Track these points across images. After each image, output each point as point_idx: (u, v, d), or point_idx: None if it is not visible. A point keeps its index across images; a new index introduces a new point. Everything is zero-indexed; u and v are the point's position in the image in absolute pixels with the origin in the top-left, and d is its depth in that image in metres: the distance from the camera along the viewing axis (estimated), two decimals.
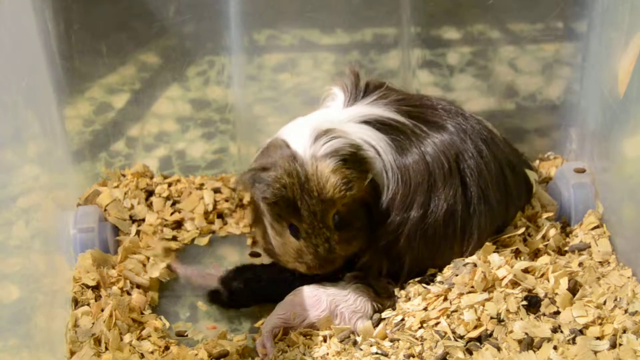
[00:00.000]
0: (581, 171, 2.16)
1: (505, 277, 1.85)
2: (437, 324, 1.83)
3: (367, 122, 1.90)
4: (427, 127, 1.92)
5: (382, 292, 1.94)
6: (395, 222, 1.90)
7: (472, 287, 1.85)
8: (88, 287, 1.97)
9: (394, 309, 1.92)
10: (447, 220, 1.90)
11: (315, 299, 1.92)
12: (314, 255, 1.87)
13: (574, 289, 1.86)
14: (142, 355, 1.84)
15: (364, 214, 1.91)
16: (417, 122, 1.92)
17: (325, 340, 1.88)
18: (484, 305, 1.82)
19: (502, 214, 1.99)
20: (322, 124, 1.88)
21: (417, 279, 1.94)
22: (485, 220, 1.93)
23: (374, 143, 1.89)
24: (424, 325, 1.84)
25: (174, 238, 2.19)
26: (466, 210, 1.91)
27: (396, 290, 1.94)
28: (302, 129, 1.88)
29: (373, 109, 1.93)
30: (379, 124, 1.91)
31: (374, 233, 1.91)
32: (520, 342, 1.75)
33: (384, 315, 1.90)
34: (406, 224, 1.89)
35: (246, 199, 2.23)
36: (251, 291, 2.01)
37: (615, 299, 1.84)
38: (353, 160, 1.85)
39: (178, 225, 2.23)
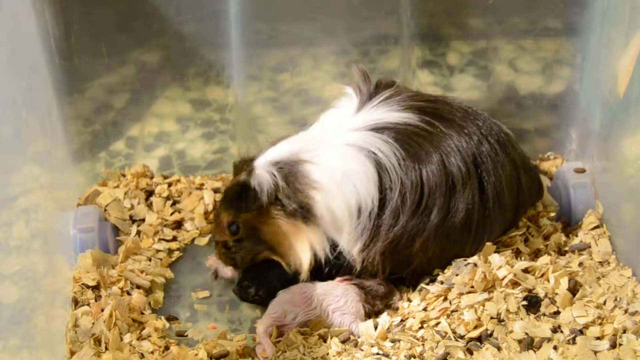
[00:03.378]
0: (581, 171, 2.16)
1: (505, 277, 1.85)
2: (437, 324, 1.83)
3: (374, 129, 1.88)
4: (442, 124, 1.89)
5: (375, 294, 1.94)
6: (409, 226, 1.86)
7: (472, 287, 1.85)
8: (88, 287, 1.97)
9: (388, 308, 1.93)
10: (463, 223, 1.88)
11: (306, 296, 1.93)
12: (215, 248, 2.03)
13: (574, 289, 1.86)
14: (142, 355, 1.84)
15: (259, 243, 1.94)
16: (431, 118, 1.89)
17: (325, 340, 1.88)
18: (484, 305, 1.82)
19: (511, 217, 1.99)
20: (302, 145, 1.90)
21: (425, 282, 1.94)
22: (497, 224, 1.92)
23: (373, 149, 1.86)
24: (425, 325, 1.84)
25: (174, 238, 2.19)
26: (482, 214, 1.89)
27: (396, 293, 1.95)
28: (285, 145, 1.91)
29: (385, 111, 1.91)
30: (388, 129, 1.88)
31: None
32: (520, 342, 1.75)
33: (380, 319, 1.90)
34: (424, 229, 1.86)
35: None
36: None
37: (615, 299, 1.84)
38: (254, 193, 1.86)
39: (178, 225, 2.23)
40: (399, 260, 1.91)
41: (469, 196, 1.86)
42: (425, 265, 1.93)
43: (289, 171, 1.86)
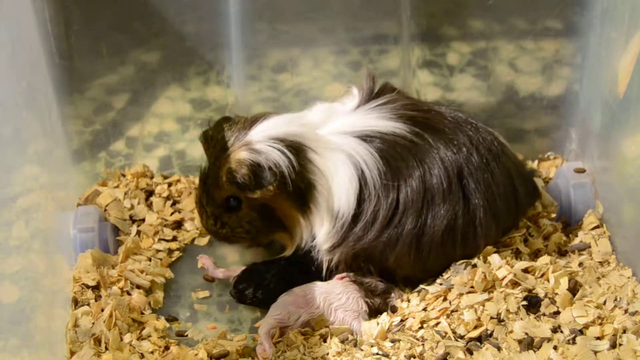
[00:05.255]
0: (581, 171, 2.16)
1: (505, 277, 1.85)
2: (437, 324, 1.83)
3: (363, 137, 1.90)
4: (431, 136, 1.90)
5: (373, 290, 1.95)
6: (382, 240, 1.89)
7: (472, 287, 1.85)
8: (88, 287, 1.97)
9: (388, 309, 1.93)
10: (445, 236, 1.89)
11: (309, 297, 1.93)
12: (200, 218, 1.99)
13: (574, 289, 1.86)
14: (142, 355, 1.84)
15: (268, 220, 1.93)
16: (420, 129, 1.91)
17: (325, 340, 1.88)
18: (484, 306, 1.82)
19: (510, 222, 1.99)
20: (300, 132, 1.89)
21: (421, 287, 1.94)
22: (491, 229, 1.92)
23: (359, 160, 1.88)
24: (425, 325, 1.84)
25: (174, 238, 2.19)
26: (469, 225, 1.90)
27: (396, 292, 1.95)
28: (282, 123, 1.91)
29: (377, 118, 1.92)
30: (376, 137, 1.89)
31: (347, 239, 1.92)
32: (520, 342, 1.75)
33: (380, 319, 1.90)
34: (396, 243, 1.89)
35: None
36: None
37: (615, 299, 1.84)
38: (270, 172, 1.85)
39: (178, 225, 2.23)
40: (382, 268, 1.94)
41: (450, 209, 1.87)
42: (412, 274, 1.94)
43: (297, 152, 1.87)
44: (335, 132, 1.92)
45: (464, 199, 1.89)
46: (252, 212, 1.93)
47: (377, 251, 1.90)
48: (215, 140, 1.93)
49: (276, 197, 1.89)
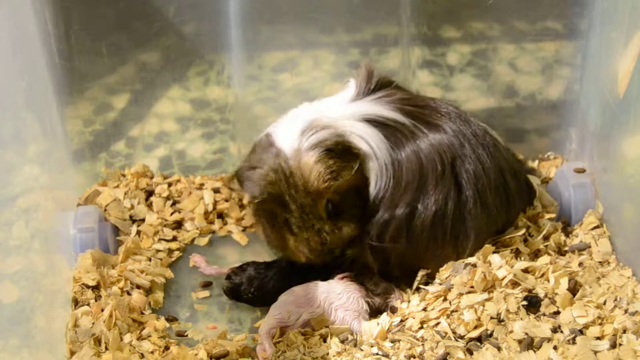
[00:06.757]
0: (581, 171, 2.16)
1: (505, 277, 1.85)
2: (437, 324, 1.83)
3: (366, 120, 1.92)
4: (427, 128, 1.92)
5: (373, 289, 1.95)
6: (382, 220, 1.90)
7: (472, 287, 1.85)
8: (88, 287, 1.97)
9: (388, 309, 1.93)
10: (435, 222, 1.89)
11: (309, 297, 1.93)
12: (308, 248, 1.91)
13: (574, 289, 1.86)
14: (142, 355, 1.84)
15: (357, 202, 1.92)
16: (417, 122, 1.93)
17: (325, 340, 1.88)
18: (484, 306, 1.82)
19: (502, 218, 1.99)
20: (313, 118, 1.90)
21: (418, 285, 1.94)
22: (482, 222, 1.92)
23: (369, 139, 1.90)
24: (424, 325, 1.84)
25: (174, 238, 2.19)
26: (459, 214, 1.90)
27: (396, 292, 1.95)
28: (290, 124, 1.91)
29: (376, 107, 1.94)
30: (378, 122, 1.92)
31: (362, 228, 1.93)
32: (520, 342, 1.75)
33: (380, 319, 1.90)
34: (391, 223, 1.90)
35: (245, 198, 2.23)
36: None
37: (615, 299, 1.84)
38: (339, 150, 1.87)
39: (178, 225, 2.23)
40: (377, 254, 1.93)
41: (441, 196, 1.89)
42: (402, 263, 1.94)
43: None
44: (341, 117, 1.92)
45: (455, 188, 1.90)
46: (343, 204, 1.91)
47: (378, 232, 1.91)
48: (271, 184, 1.88)
49: (356, 174, 1.88)
